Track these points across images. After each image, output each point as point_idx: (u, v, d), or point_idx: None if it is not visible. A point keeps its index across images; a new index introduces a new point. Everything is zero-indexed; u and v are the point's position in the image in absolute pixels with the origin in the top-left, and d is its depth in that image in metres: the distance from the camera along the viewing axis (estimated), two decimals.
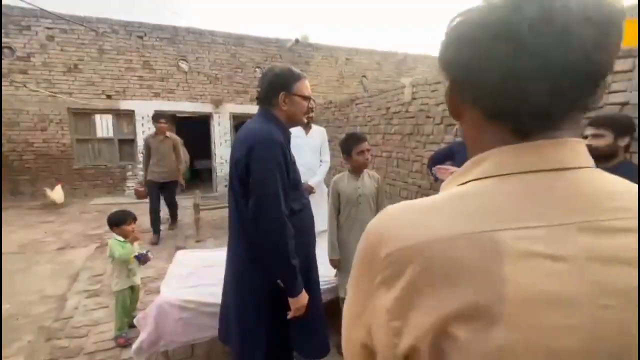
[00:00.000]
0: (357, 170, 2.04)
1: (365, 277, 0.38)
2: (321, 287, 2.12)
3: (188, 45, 7.25)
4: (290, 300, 1.26)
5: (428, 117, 3.75)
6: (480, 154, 0.38)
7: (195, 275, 2.15)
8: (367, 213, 2.02)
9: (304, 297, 1.28)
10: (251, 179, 1.19)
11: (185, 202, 5.54)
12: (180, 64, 7.24)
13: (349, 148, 1.98)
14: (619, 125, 1.60)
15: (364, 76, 8.31)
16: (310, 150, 3.08)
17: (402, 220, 0.36)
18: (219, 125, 7.64)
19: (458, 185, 0.38)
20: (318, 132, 3.18)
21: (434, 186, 3.69)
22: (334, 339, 2.21)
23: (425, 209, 0.36)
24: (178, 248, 3.66)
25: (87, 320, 2.49)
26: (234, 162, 1.26)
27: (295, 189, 1.33)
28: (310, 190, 2.87)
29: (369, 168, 2.12)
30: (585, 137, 1.81)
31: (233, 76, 7.67)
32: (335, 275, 2.17)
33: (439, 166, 2.43)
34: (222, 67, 7.55)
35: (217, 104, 7.49)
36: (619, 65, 2.09)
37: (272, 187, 1.18)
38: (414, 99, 3.95)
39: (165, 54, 7.13)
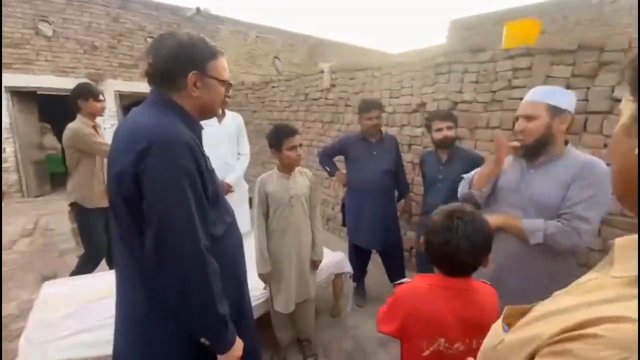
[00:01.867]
0: (287, 168, 1.77)
1: None
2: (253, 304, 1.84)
3: (51, 2, 5.60)
4: (220, 358, 0.92)
5: (348, 105, 3.67)
6: None
7: (75, 316, 1.60)
8: (301, 216, 1.78)
9: (237, 349, 0.94)
10: (146, 201, 0.79)
11: (59, 205, 4.39)
12: (40, 26, 5.56)
13: (279, 142, 1.68)
14: (455, 119, 2.06)
15: (277, 57, 7.87)
16: (225, 142, 2.57)
17: None
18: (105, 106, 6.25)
19: None
20: (233, 120, 2.68)
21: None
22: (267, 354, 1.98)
23: None
24: (44, 278, 2.47)
25: None
26: (115, 175, 0.82)
27: (214, 207, 0.95)
28: (229, 189, 2.46)
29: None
30: (437, 130, 2.03)
31: (117, 46, 6.31)
32: (265, 288, 1.90)
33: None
34: (102, 34, 6.12)
35: (97, 79, 6.08)
36: (520, 62, 2.28)
37: (182, 212, 0.80)
38: (333, 85, 3.82)
39: (18, 12, 5.38)
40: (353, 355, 2.08)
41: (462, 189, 1.58)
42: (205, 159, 0.91)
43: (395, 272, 2.59)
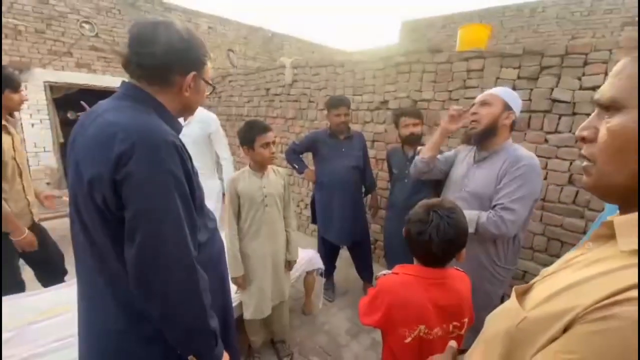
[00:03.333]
0: (260, 166, 1.71)
1: None
2: None
3: None
4: None
5: (311, 101, 3.66)
6: None
7: (22, 337, 1.40)
8: (275, 215, 1.74)
9: None
10: (129, 210, 0.69)
11: None
12: None
13: (251, 139, 1.62)
14: (422, 116, 2.16)
15: (231, 50, 7.55)
16: (192, 143, 2.31)
17: None
18: (25, 100, 5.48)
19: None
20: (201, 122, 2.43)
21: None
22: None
23: None
24: None
25: None
26: (86, 183, 0.70)
27: (199, 213, 0.89)
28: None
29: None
30: (405, 126, 2.12)
31: (45, 30, 5.58)
32: (237, 292, 1.83)
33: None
34: (27, 17, 5.36)
35: (22, 68, 5.33)
36: (474, 64, 2.46)
37: (171, 221, 0.72)
38: (295, 81, 3.77)
39: None
40: (327, 350, 2.11)
41: (413, 164, 1.72)
42: (191, 160, 0.83)
43: (363, 266, 2.66)
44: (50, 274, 2.07)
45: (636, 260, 0.38)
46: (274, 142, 1.66)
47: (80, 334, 0.88)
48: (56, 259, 2.13)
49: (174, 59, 0.79)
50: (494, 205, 1.35)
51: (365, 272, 2.67)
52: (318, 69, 3.53)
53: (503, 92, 1.42)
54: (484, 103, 1.41)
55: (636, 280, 0.35)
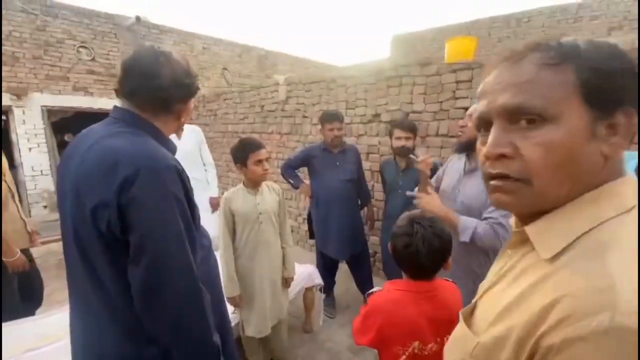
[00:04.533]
0: (254, 183, 1.72)
1: None
2: None
3: None
4: None
5: (305, 116, 3.70)
6: None
7: None
8: (270, 233, 1.74)
9: None
10: (134, 234, 0.71)
11: None
12: None
13: (244, 156, 1.63)
14: (415, 130, 2.15)
15: (226, 69, 7.68)
16: (184, 157, 2.45)
17: None
18: (24, 123, 5.53)
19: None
20: (192, 133, 2.69)
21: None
22: None
23: None
24: None
25: None
26: (89, 210, 0.71)
27: (197, 231, 0.90)
28: (217, 204, 2.55)
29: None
30: (397, 139, 2.12)
31: (43, 56, 5.68)
32: (235, 312, 1.81)
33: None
34: (24, 43, 5.47)
35: (20, 93, 5.40)
36: (462, 75, 2.50)
37: (177, 243, 0.74)
38: (289, 97, 3.83)
39: None
40: None
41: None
42: (189, 180, 0.85)
43: (363, 279, 2.63)
44: (28, 300, 2.03)
45: (555, 266, 0.38)
46: (267, 159, 1.67)
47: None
48: (37, 287, 2.12)
49: (178, 89, 0.84)
50: (485, 218, 1.36)
51: (365, 285, 2.64)
52: (311, 85, 3.58)
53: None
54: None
55: (561, 292, 0.34)
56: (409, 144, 2.11)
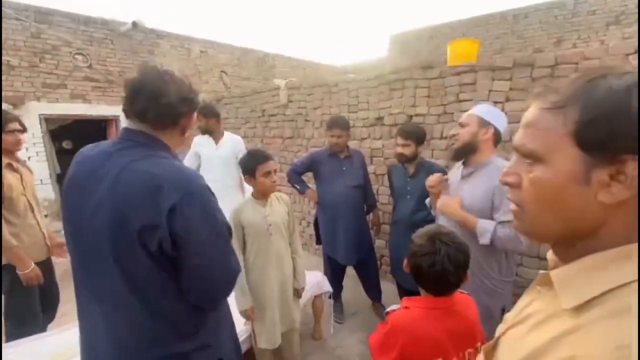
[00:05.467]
0: (262, 195, 1.71)
1: None
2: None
3: None
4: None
5: (307, 120, 3.69)
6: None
7: None
8: (281, 244, 1.73)
9: None
10: (188, 251, 0.82)
11: None
12: None
13: (253, 168, 1.62)
14: (419, 137, 2.12)
15: (224, 72, 7.65)
16: (219, 164, 2.75)
17: None
18: (24, 141, 5.46)
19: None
20: (231, 142, 2.81)
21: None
22: None
23: None
24: None
25: None
26: (136, 231, 0.78)
27: None
28: None
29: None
30: (396, 145, 2.12)
31: (39, 64, 5.64)
32: (246, 324, 1.80)
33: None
34: (19, 51, 5.42)
35: (17, 102, 5.36)
36: (466, 78, 2.50)
37: (223, 250, 0.91)
38: (290, 101, 3.82)
39: None
40: None
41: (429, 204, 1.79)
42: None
43: (371, 284, 2.63)
44: (44, 312, 2.03)
45: (577, 319, 0.37)
46: (275, 171, 1.66)
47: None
48: (53, 300, 2.12)
49: (184, 104, 0.90)
50: (501, 222, 1.36)
51: (372, 290, 2.64)
52: (312, 89, 3.57)
53: (479, 109, 1.50)
54: (462, 125, 1.50)
55: (578, 352, 0.35)
56: (406, 151, 2.08)
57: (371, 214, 2.69)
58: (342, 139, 2.38)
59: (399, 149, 2.11)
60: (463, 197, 1.49)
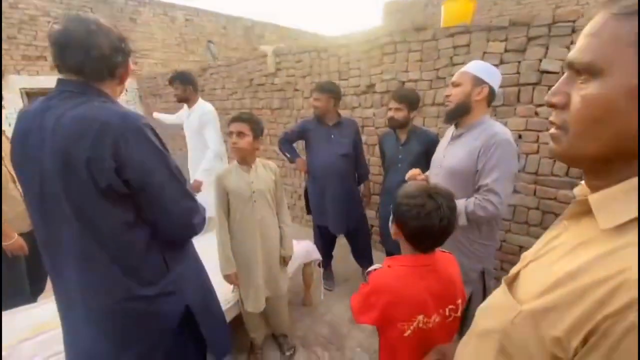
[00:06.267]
0: (240, 159, 1.65)
1: None
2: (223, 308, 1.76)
3: None
4: None
5: (296, 90, 3.57)
6: None
7: (16, 355, 1.36)
8: (265, 211, 1.69)
9: None
10: (136, 186, 0.85)
11: None
12: None
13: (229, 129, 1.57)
14: (412, 102, 2.02)
15: (211, 41, 7.33)
16: (193, 136, 2.71)
17: None
18: (3, 108, 5.29)
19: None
20: (199, 112, 2.71)
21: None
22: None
23: None
24: None
25: None
26: (83, 165, 0.79)
27: None
28: (197, 186, 2.49)
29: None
30: (389, 109, 2.05)
31: (17, 35, 5.36)
32: (233, 291, 1.81)
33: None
34: None
35: None
36: (459, 40, 2.38)
37: (172, 182, 0.92)
38: (278, 69, 3.67)
39: None
40: (330, 339, 2.10)
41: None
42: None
43: (361, 253, 2.64)
44: (32, 285, 2.03)
45: (620, 239, 0.37)
46: (239, 133, 1.57)
47: (75, 317, 0.93)
48: (41, 271, 2.09)
49: (118, 54, 0.89)
50: (478, 188, 1.35)
51: (363, 259, 2.65)
52: (301, 55, 3.42)
53: (473, 66, 1.41)
54: (454, 84, 1.42)
55: (629, 275, 0.33)
56: (399, 115, 2.01)
57: (362, 185, 2.64)
58: (321, 102, 2.26)
59: (391, 113, 2.04)
60: (448, 158, 1.45)
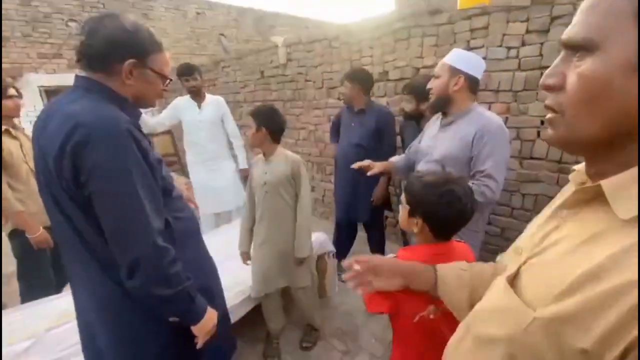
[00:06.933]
0: (259, 151, 1.68)
1: None
2: (239, 300, 1.77)
3: None
4: (194, 328, 0.94)
5: (307, 80, 3.52)
6: None
7: (41, 344, 1.41)
8: (278, 203, 1.68)
9: (210, 319, 0.96)
10: (91, 191, 0.76)
11: None
12: None
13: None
14: (417, 92, 1.96)
15: (222, 34, 7.32)
16: (204, 128, 2.68)
17: None
18: (23, 106, 5.45)
19: None
20: (212, 105, 2.72)
21: (324, 153, 3.60)
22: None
23: None
24: None
25: None
26: (53, 168, 0.77)
27: (168, 197, 0.95)
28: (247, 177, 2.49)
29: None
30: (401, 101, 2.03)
31: (32, 33, 5.48)
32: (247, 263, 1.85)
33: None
34: (11, 21, 5.25)
35: (15, 74, 5.28)
36: (477, 22, 2.28)
37: (130, 200, 0.78)
38: (289, 60, 3.62)
39: None
40: (346, 331, 2.10)
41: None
42: (153, 148, 0.89)
43: (374, 246, 2.61)
44: (57, 276, 2.11)
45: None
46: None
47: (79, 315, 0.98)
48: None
49: (112, 45, 0.83)
50: (473, 174, 1.35)
51: (376, 253, 2.62)
52: (312, 45, 3.36)
53: (450, 57, 1.40)
54: (434, 77, 1.42)
55: None
56: (409, 107, 2.00)
57: (381, 179, 2.35)
58: (346, 89, 2.24)
59: (402, 105, 2.03)
60: (440, 148, 1.44)
